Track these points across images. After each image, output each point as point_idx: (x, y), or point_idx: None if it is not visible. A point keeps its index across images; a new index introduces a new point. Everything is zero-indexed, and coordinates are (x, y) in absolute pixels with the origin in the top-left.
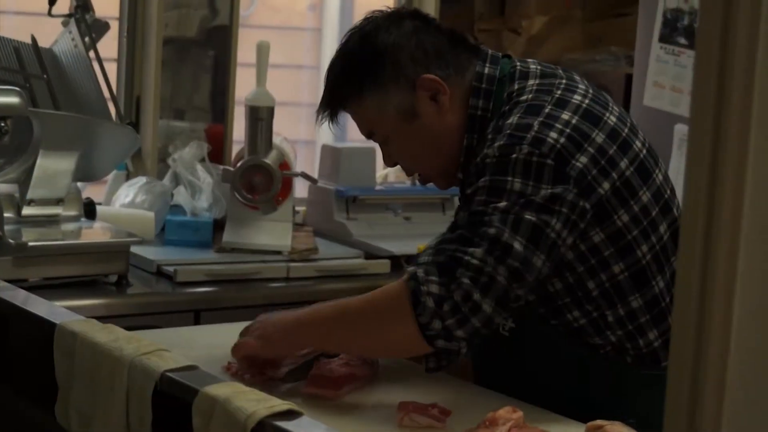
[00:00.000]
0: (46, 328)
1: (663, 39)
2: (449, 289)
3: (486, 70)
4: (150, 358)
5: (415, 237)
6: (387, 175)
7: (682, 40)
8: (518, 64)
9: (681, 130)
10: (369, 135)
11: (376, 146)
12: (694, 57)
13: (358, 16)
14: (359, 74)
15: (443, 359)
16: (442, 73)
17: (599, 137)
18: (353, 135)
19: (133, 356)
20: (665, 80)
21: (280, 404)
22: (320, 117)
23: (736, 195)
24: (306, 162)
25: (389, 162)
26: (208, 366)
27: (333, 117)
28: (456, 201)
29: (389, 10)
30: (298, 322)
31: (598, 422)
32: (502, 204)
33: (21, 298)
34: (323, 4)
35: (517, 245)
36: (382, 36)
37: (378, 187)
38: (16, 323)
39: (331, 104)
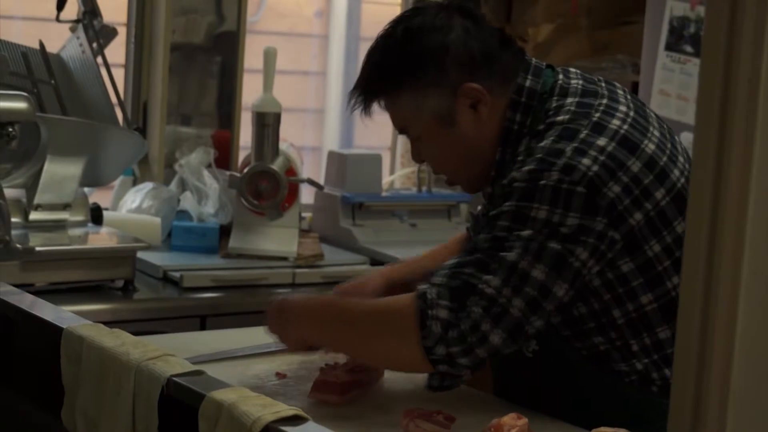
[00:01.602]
0: (53, 332)
1: (669, 47)
2: (458, 316)
3: (527, 83)
4: (156, 363)
5: (421, 243)
6: (393, 181)
7: (689, 48)
8: (560, 77)
9: (687, 138)
10: (401, 131)
11: (383, 153)
12: (699, 65)
13: (365, 23)
14: (399, 71)
15: (446, 381)
16: (485, 82)
17: (635, 166)
18: (359, 141)
19: (140, 361)
20: (671, 88)
21: (285, 410)
22: (353, 102)
23: (740, 202)
24: (312, 168)
25: (417, 159)
26: (215, 371)
27: (366, 107)
28: (462, 208)
29: (439, 2)
30: (302, 315)
31: (603, 429)
32: (526, 232)
33: (28, 302)
34: (330, 10)
35: (536, 273)
36: (430, 35)
37: (384, 194)
38: (22, 327)
39: (366, 93)
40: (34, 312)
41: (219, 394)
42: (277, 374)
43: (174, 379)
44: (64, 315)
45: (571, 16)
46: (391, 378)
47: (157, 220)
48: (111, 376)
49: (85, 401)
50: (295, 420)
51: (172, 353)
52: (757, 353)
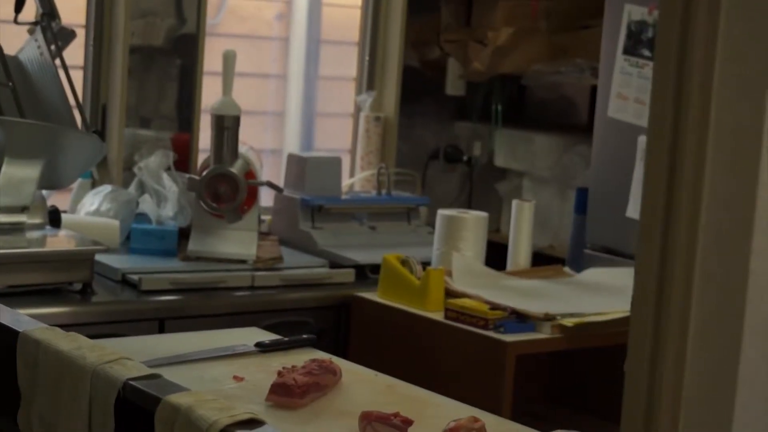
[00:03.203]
0: (9, 336)
1: (627, 51)
2: None
3: None
4: (113, 367)
5: (381, 246)
6: (353, 184)
7: (646, 53)
8: None
9: (644, 141)
10: None
11: (343, 155)
12: (653, 70)
13: (326, 26)
14: None
15: None
16: None
17: None
18: (320, 144)
19: (96, 364)
20: (629, 92)
21: (242, 413)
22: None
23: (693, 205)
24: (272, 171)
25: None
26: (172, 375)
27: None
28: (421, 211)
29: None
30: None
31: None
32: None
33: None
34: (291, 13)
35: None
36: None
37: (344, 197)
38: None
39: None
40: None
41: (175, 398)
42: (235, 377)
43: (130, 382)
44: (20, 318)
45: (530, 20)
46: (349, 380)
47: (116, 222)
48: (67, 379)
49: (41, 405)
50: (251, 423)
51: (128, 356)
52: (709, 357)
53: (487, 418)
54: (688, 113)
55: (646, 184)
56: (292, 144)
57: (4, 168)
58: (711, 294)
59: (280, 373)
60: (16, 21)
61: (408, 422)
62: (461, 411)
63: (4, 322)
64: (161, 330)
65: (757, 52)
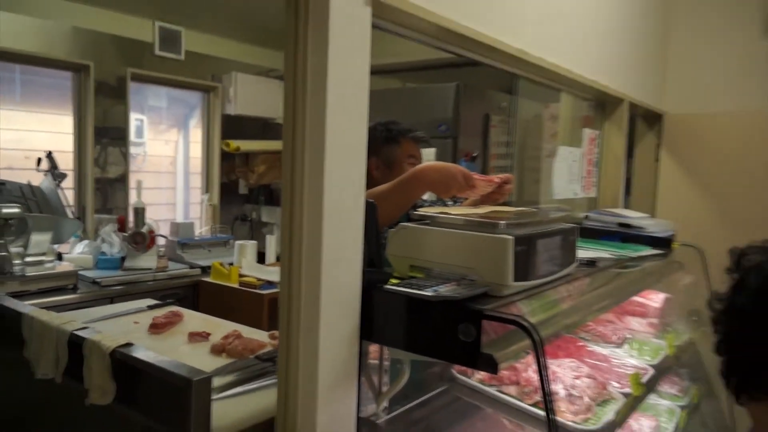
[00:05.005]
0: (19, 314)
1: None
2: None
3: None
4: (66, 325)
5: (213, 258)
6: (201, 232)
7: None
8: None
9: None
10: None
11: (196, 221)
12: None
13: (191, 166)
14: None
15: None
16: None
17: None
18: (191, 215)
19: (59, 325)
20: None
21: (123, 341)
22: None
23: (299, 217)
24: (165, 229)
25: None
26: (101, 326)
27: None
28: (231, 242)
29: None
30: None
31: (275, 333)
32: None
33: (11, 302)
34: (176, 162)
35: None
36: None
37: (196, 238)
38: (9, 316)
39: None
40: (12, 307)
41: (94, 337)
42: (135, 322)
43: (73, 332)
44: (26, 307)
45: (273, 162)
46: (189, 319)
47: (90, 256)
48: (45, 333)
49: (34, 347)
50: (127, 345)
51: (75, 319)
52: (309, 292)
53: (248, 330)
54: (296, 175)
55: (282, 205)
56: (179, 217)
57: (32, 236)
58: (309, 262)
59: (154, 318)
60: (37, 169)
61: (208, 334)
62: (238, 328)
63: (16, 308)
64: (111, 303)
65: (319, 134)
